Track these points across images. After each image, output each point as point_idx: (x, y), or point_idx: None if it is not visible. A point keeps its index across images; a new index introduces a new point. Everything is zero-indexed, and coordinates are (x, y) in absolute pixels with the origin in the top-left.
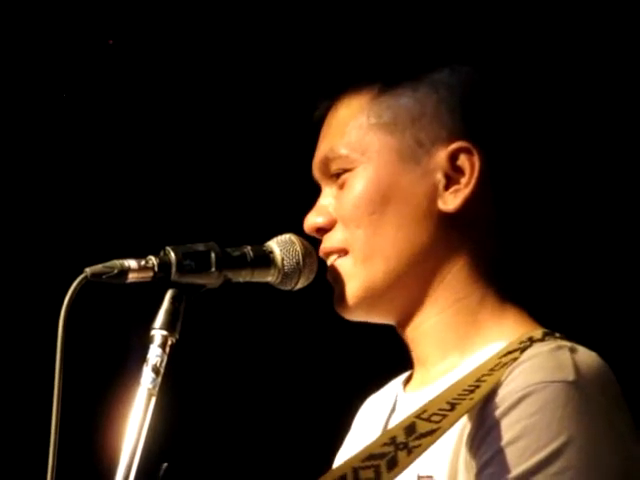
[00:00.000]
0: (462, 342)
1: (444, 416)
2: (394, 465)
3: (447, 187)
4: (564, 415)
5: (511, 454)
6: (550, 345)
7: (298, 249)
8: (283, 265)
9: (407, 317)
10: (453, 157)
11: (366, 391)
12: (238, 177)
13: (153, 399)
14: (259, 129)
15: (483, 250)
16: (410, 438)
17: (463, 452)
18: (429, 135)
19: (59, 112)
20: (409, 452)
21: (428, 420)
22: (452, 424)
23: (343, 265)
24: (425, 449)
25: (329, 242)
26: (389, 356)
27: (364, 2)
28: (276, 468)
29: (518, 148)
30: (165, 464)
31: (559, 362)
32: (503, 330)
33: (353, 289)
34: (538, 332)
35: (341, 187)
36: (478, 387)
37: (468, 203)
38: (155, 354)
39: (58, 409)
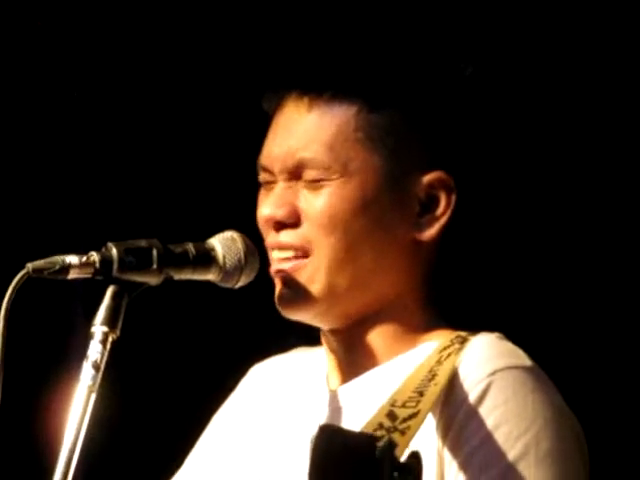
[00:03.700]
0: (394, 348)
1: (418, 401)
2: (395, 446)
3: (421, 214)
4: (535, 400)
5: (495, 443)
6: (490, 335)
7: (240, 247)
8: (225, 263)
9: (350, 326)
10: (431, 186)
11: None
12: (179, 171)
13: (93, 395)
14: (199, 123)
15: (432, 271)
16: (396, 423)
17: (438, 443)
18: (410, 160)
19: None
20: (402, 433)
21: (404, 406)
22: (430, 406)
23: (304, 267)
24: (416, 430)
25: (290, 237)
26: None
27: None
28: None
29: (486, 181)
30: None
31: (510, 349)
32: (432, 335)
33: (313, 293)
34: (464, 333)
35: (314, 190)
36: (436, 375)
37: (438, 233)
38: (95, 350)
39: None
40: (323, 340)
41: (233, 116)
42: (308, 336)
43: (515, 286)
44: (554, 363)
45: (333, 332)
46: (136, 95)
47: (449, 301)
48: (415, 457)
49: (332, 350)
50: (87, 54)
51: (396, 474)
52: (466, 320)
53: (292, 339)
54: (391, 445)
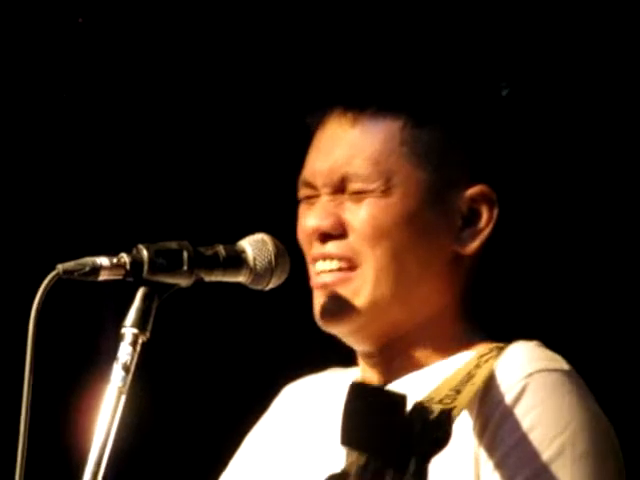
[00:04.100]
0: (431, 359)
1: (454, 398)
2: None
3: (463, 228)
4: (571, 402)
5: (531, 443)
6: (529, 343)
7: (270, 249)
8: (255, 265)
9: (384, 346)
10: (473, 200)
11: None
12: (210, 174)
13: (123, 397)
14: (235, 128)
15: (472, 284)
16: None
17: (474, 443)
18: (453, 174)
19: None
20: None
21: (440, 402)
22: (466, 403)
23: (352, 280)
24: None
25: (337, 248)
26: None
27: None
28: None
29: (527, 195)
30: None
31: (547, 354)
32: (471, 348)
33: (357, 305)
34: (502, 344)
35: (357, 202)
36: (473, 377)
37: (480, 246)
38: (125, 352)
39: (28, 406)
40: (359, 358)
41: (264, 125)
42: (340, 357)
43: (555, 300)
44: (595, 377)
45: (369, 354)
46: (176, 101)
47: (489, 314)
48: (445, 413)
49: (369, 366)
50: (130, 57)
51: (425, 429)
52: (505, 333)
53: (325, 358)
54: (421, 404)
